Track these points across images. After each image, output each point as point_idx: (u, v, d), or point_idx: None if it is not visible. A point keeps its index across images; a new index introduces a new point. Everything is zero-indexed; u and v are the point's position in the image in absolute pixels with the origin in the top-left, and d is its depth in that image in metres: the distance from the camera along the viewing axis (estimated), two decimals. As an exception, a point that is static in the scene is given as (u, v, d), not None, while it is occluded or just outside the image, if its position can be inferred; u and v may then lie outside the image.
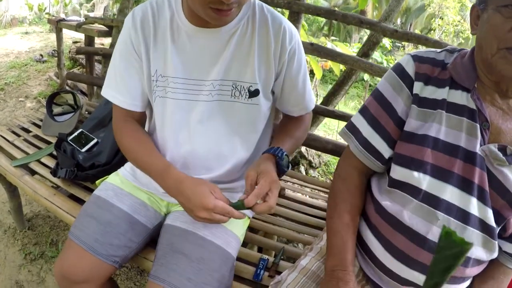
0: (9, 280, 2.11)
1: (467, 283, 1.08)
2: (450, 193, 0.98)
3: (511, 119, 1.01)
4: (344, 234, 1.08)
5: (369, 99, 1.17)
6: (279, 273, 1.39)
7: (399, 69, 1.11)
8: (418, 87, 1.06)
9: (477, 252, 1.00)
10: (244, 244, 1.46)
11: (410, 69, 1.08)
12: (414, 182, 1.02)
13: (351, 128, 1.19)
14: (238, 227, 1.34)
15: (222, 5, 0.98)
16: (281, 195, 2.06)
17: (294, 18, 2.61)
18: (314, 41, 4.34)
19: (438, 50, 1.12)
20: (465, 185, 0.98)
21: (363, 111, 1.17)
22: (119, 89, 1.26)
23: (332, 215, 1.14)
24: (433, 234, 0.98)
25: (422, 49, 1.19)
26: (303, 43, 2.61)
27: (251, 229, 1.69)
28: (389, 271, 1.05)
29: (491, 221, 0.99)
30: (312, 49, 2.52)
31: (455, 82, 1.03)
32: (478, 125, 0.98)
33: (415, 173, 1.01)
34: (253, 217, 1.69)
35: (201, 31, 1.16)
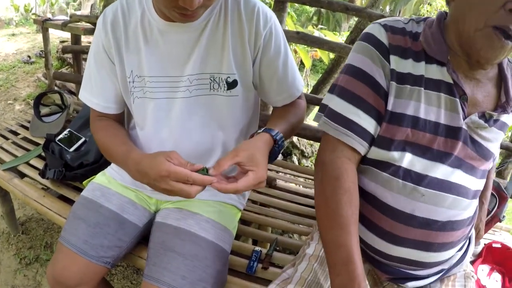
0: (5, 286, 2.10)
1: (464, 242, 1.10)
2: (432, 168, 0.97)
3: (483, 88, 1.01)
4: (350, 246, 0.90)
5: (344, 78, 1.03)
6: (273, 264, 1.39)
7: (373, 40, 1.01)
8: (394, 61, 0.99)
9: (466, 214, 1.02)
10: (237, 236, 1.46)
11: (385, 40, 1.00)
12: (393, 161, 0.98)
13: (331, 115, 1.02)
14: (229, 220, 1.33)
15: (186, 11, 0.96)
16: (273, 186, 2.05)
17: (280, 7, 2.58)
18: (302, 30, 4.32)
19: (404, 20, 1.05)
20: (447, 159, 0.97)
21: (342, 93, 1.02)
22: (93, 92, 1.26)
23: (331, 226, 0.94)
24: (420, 210, 0.97)
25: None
26: (290, 32, 2.60)
27: (243, 221, 1.69)
28: (376, 250, 1.04)
29: (477, 186, 1.03)
30: (299, 37, 2.50)
31: (429, 55, 0.98)
32: (457, 100, 0.96)
33: (395, 153, 0.98)
34: (244, 209, 1.68)
35: (173, 25, 1.12)
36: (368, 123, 0.99)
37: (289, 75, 1.24)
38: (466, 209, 1.01)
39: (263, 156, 1.04)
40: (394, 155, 0.97)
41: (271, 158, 1.11)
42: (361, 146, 1.00)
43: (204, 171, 0.99)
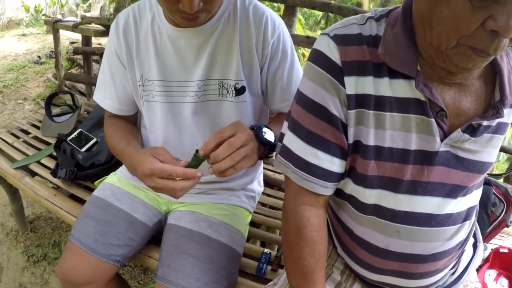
0: (12, 283, 2.12)
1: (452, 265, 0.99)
2: (406, 202, 0.83)
3: (468, 90, 0.81)
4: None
5: (297, 110, 0.88)
6: (282, 266, 1.40)
7: (322, 60, 0.82)
8: (349, 83, 0.80)
9: (454, 242, 0.90)
10: (247, 238, 1.46)
11: (336, 57, 0.80)
12: (361, 197, 0.87)
13: (286, 154, 0.90)
14: (241, 223, 1.34)
15: (188, 14, 0.97)
16: (282, 188, 2.06)
17: (290, 12, 2.60)
18: (311, 35, 4.35)
19: (361, 19, 0.84)
20: (424, 189, 0.83)
21: (295, 127, 0.88)
22: (106, 94, 1.28)
23: (295, 273, 0.93)
24: (394, 245, 0.87)
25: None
26: (299, 36, 2.62)
27: (253, 223, 1.69)
28: (359, 274, 1.01)
29: (471, 203, 0.89)
30: (308, 41, 2.52)
31: (392, 68, 0.79)
32: (432, 120, 0.78)
33: (360, 188, 0.86)
34: (254, 212, 1.69)
35: (182, 31, 1.13)
36: (330, 163, 0.86)
37: (293, 84, 1.23)
38: (454, 237, 0.88)
39: (246, 129, 1.01)
40: (360, 191, 0.87)
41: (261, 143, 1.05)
42: (325, 189, 0.89)
43: (196, 158, 0.96)
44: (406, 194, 0.83)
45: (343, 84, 0.80)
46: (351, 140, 0.83)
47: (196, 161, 0.96)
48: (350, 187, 0.89)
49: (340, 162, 0.86)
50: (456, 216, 0.87)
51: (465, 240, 0.95)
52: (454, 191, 0.84)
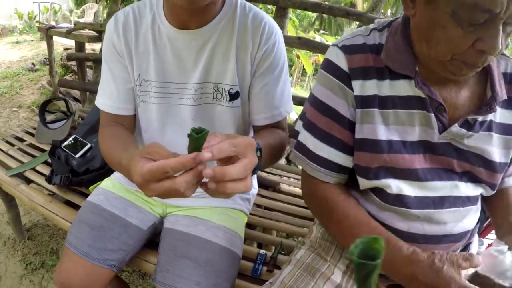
0: (11, 291, 2.11)
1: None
2: (423, 189, 0.93)
3: (464, 88, 0.92)
4: (365, 221, 0.95)
5: (310, 111, 1.02)
6: (278, 267, 1.40)
7: (332, 68, 0.96)
8: (357, 86, 0.93)
9: (466, 224, 0.97)
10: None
11: (343, 64, 0.94)
12: (382, 187, 0.95)
13: (301, 149, 1.04)
14: (239, 225, 1.35)
15: None
16: (277, 189, 2.07)
17: (281, 14, 2.61)
18: (304, 36, 4.35)
19: (365, 31, 0.98)
20: (436, 175, 0.93)
21: (309, 126, 1.02)
22: (106, 93, 1.24)
23: (331, 220, 1.01)
24: (416, 228, 0.94)
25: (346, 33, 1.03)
26: (291, 37, 2.63)
27: (249, 225, 1.70)
28: None
29: (472, 193, 0.96)
30: (300, 43, 2.53)
31: (393, 71, 0.91)
32: (432, 115, 0.89)
33: (375, 181, 0.94)
34: (250, 214, 1.69)
35: (181, 32, 1.13)
36: (337, 157, 0.98)
37: (275, 96, 1.19)
38: (463, 219, 0.96)
39: (255, 156, 0.79)
40: (376, 183, 0.94)
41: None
42: (330, 177, 1.01)
43: (193, 136, 0.72)
44: (422, 181, 0.92)
45: (350, 88, 0.93)
46: (358, 136, 0.95)
47: (194, 143, 0.73)
48: (367, 183, 0.97)
49: (344, 156, 0.98)
50: (465, 199, 0.96)
51: (475, 228, 1.02)
52: (461, 176, 0.95)
